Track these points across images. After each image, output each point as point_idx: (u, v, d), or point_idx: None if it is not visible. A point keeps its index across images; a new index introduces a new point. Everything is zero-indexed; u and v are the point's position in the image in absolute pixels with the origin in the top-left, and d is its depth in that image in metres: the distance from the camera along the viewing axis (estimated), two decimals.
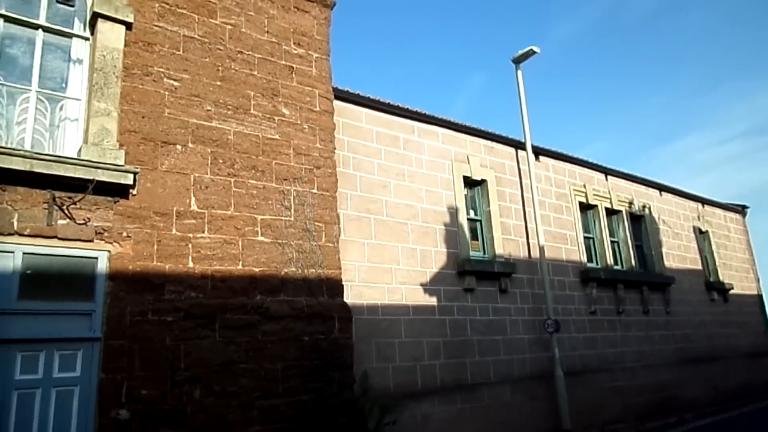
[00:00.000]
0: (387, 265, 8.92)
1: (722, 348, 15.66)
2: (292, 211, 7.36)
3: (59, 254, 5.57)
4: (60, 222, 5.61)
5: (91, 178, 5.68)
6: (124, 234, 5.98)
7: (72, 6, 6.41)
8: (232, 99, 7.17)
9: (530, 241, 11.32)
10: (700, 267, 16.09)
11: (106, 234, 5.87)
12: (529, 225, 11.40)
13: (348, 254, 8.45)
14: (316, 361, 6.96)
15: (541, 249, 11.01)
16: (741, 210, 19.08)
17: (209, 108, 6.95)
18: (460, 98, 53.15)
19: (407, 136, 9.92)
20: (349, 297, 8.23)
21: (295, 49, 8.02)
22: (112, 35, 6.37)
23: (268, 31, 7.79)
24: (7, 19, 5.99)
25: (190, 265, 6.34)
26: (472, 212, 10.83)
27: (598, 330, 12.09)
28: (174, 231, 6.31)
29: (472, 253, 10.31)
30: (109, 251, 5.84)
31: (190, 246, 6.39)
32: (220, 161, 6.88)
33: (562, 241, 12.10)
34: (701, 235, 16.74)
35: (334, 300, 7.40)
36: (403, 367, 8.60)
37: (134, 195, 6.14)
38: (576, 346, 11.47)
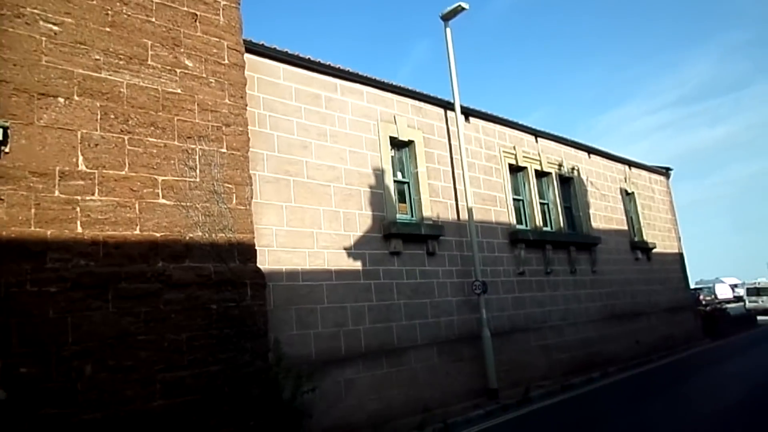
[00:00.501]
0: (308, 229, 8.55)
1: (645, 304, 16.33)
2: (198, 171, 6.83)
3: None
4: None
5: None
6: None
7: None
8: (125, 48, 6.49)
9: (459, 203, 11.19)
10: (625, 227, 16.58)
11: None
12: (458, 187, 11.26)
13: (265, 218, 8.02)
14: (226, 330, 6.57)
15: (470, 211, 10.91)
16: (665, 172, 19.77)
17: (98, 57, 6.26)
18: (403, 67, 52.29)
19: (329, 94, 9.45)
20: (267, 263, 7.85)
21: None
22: None
23: None
24: None
25: (79, 230, 5.75)
26: (399, 174, 10.56)
27: (527, 290, 12.23)
28: (57, 193, 5.69)
29: (399, 216, 10.09)
30: None
31: (78, 210, 5.78)
32: (112, 116, 6.24)
33: (492, 203, 12.06)
34: (627, 196, 17.23)
35: (246, 266, 6.98)
36: (325, 333, 8.34)
37: (6, 153, 5.46)
38: (504, 307, 11.57)
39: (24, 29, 5.80)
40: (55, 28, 6.01)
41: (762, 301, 29.79)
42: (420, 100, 11.05)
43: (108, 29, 6.40)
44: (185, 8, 7.16)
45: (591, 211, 15.12)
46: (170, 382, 5.99)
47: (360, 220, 9.32)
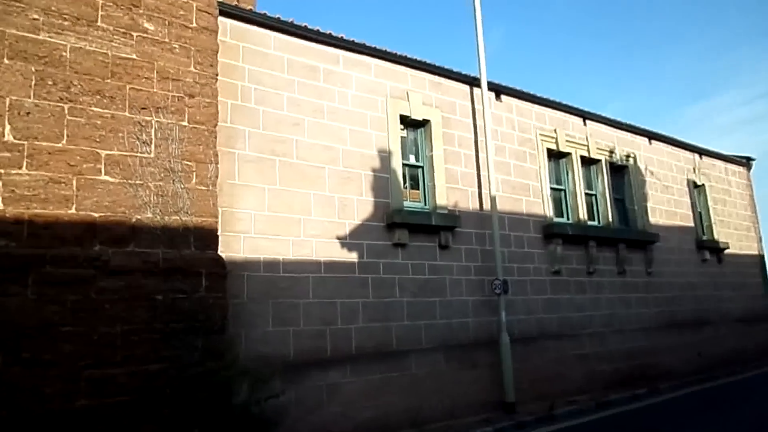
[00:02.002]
0: (294, 215, 7.69)
1: (712, 312, 14.30)
2: (153, 146, 6.12)
3: None
4: None
5: None
6: None
7: None
8: (71, 7, 5.86)
9: (482, 191, 9.96)
10: (692, 224, 14.57)
11: None
12: (482, 173, 10.02)
13: (243, 201, 7.25)
14: (172, 325, 5.83)
15: (493, 200, 9.66)
16: (746, 162, 17.35)
17: (36, 17, 5.65)
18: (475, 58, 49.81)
19: (329, 66, 8.52)
20: (242, 251, 7.09)
21: None
22: None
23: None
24: None
25: (0, 206, 5.17)
26: (412, 157, 9.48)
27: (562, 292, 10.80)
28: None
29: (407, 203, 9.03)
30: None
31: (0, 184, 5.21)
32: (50, 83, 5.62)
33: (524, 192, 10.71)
34: (696, 189, 15.16)
35: (203, 253, 6.22)
36: (308, 331, 7.47)
37: None
38: (533, 310, 10.23)
39: None
40: None
41: None
42: (440, 75, 9.88)
43: None
44: None
45: (649, 205, 13.32)
46: (98, 380, 5.32)
47: (359, 207, 8.35)
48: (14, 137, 5.35)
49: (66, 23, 5.80)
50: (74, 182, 5.58)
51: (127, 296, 5.62)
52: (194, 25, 6.66)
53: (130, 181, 5.89)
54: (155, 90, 6.24)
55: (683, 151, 15.14)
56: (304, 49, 8.29)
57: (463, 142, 9.93)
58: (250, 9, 7.77)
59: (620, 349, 11.48)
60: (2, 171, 5.24)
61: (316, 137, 8.12)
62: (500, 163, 10.33)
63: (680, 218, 14.28)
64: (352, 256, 8.13)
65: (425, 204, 9.34)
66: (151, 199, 5.99)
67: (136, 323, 5.62)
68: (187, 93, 6.46)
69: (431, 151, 9.44)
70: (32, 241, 5.26)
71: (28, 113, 5.46)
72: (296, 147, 7.89)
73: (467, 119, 10.13)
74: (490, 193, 9.71)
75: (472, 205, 9.79)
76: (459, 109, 10.05)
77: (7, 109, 5.36)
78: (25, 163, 5.36)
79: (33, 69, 5.55)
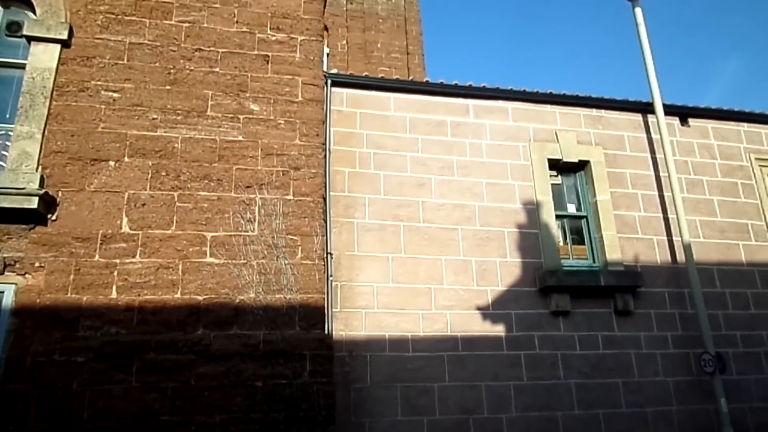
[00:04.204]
0: (423, 285, 6.85)
1: None
2: (256, 224, 6.01)
3: None
4: None
5: None
6: (37, 264, 5.37)
7: (21, 37, 6.26)
8: (183, 103, 6.25)
9: (673, 239, 7.86)
10: None
11: (17, 265, 5.34)
12: (669, 216, 7.96)
13: (363, 273, 6.71)
14: (272, 414, 5.35)
15: (688, 249, 7.51)
16: None
17: (155, 116, 6.13)
18: (711, 90, 43.57)
19: (458, 118, 7.77)
20: (364, 328, 6.47)
21: (272, 35, 6.81)
22: (44, 56, 6.02)
23: (237, 21, 6.75)
24: None
25: (114, 295, 5.43)
26: (571, 207, 7.98)
27: None
28: (97, 257, 5.51)
29: (568, 262, 7.50)
30: (16, 284, 5.27)
31: (115, 273, 5.50)
32: (163, 174, 5.94)
33: (739, 235, 8.19)
34: None
35: (308, 333, 5.73)
36: (445, 421, 6.35)
37: (54, 221, 5.54)
38: None
39: (86, 101, 6.01)
40: (115, 95, 6.10)
41: None
42: (597, 107, 8.35)
43: (168, 87, 6.27)
44: (255, 52, 6.68)
45: None
46: None
47: (502, 271, 7.15)
48: (130, 228, 5.69)
49: (179, 117, 6.18)
50: (180, 266, 5.67)
51: (225, 383, 5.35)
52: (299, 98, 6.61)
53: (233, 261, 5.80)
54: (260, 167, 6.22)
55: None
56: (427, 104, 7.73)
57: (638, 182, 8.07)
58: (366, 74, 7.56)
59: None
60: (118, 261, 5.55)
61: (445, 196, 7.31)
62: (696, 202, 8.12)
63: None
64: (498, 329, 6.88)
65: (593, 261, 7.66)
66: (254, 278, 5.80)
67: (234, 412, 5.28)
68: (292, 166, 6.32)
69: (594, 196, 7.83)
70: (140, 328, 5.38)
71: (143, 204, 5.79)
72: (422, 209, 7.17)
73: (641, 153, 8.28)
74: (683, 240, 7.59)
75: (659, 257, 7.75)
76: (628, 142, 8.29)
77: (125, 203, 5.76)
78: (138, 252, 5.63)
79: (149, 163, 5.94)
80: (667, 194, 8.01)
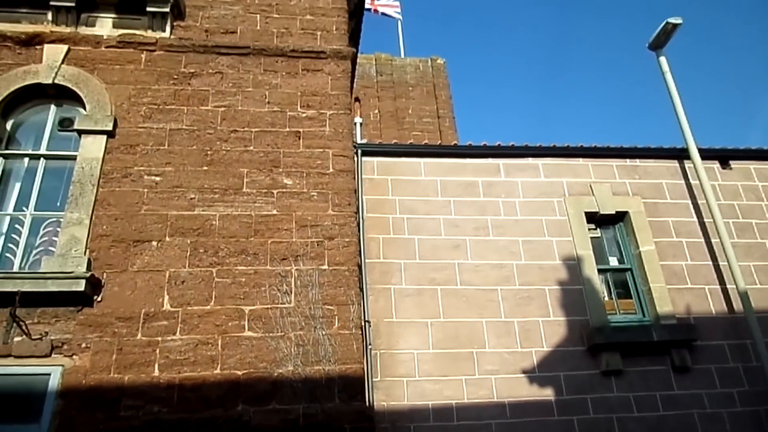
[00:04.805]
0: (464, 349, 6.69)
1: None
2: (293, 296, 6.05)
3: (10, 373, 5.34)
4: (16, 339, 5.45)
5: (41, 290, 5.48)
6: (83, 345, 5.52)
7: (73, 131, 6.74)
8: (220, 182, 6.51)
9: (727, 287, 7.47)
10: None
11: (65, 347, 5.50)
12: (719, 264, 7.61)
13: (402, 340, 6.61)
14: None
15: (745, 297, 7.11)
16: None
17: (192, 196, 6.39)
18: (752, 130, 42.54)
19: (489, 178, 7.80)
20: (406, 398, 6.31)
21: (303, 112, 7.11)
22: (93, 147, 6.45)
23: (269, 102, 7.10)
24: (8, 156, 6.56)
25: (155, 373, 5.49)
26: (613, 260, 7.74)
27: None
28: (139, 336, 5.63)
29: (616, 317, 7.21)
30: (63, 366, 5.41)
31: (157, 351, 5.59)
32: (201, 251, 6.12)
33: None
34: None
35: (348, 405, 5.60)
36: None
37: (99, 302, 5.73)
38: None
39: (129, 186, 6.34)
40: (157, 178, 6.42)
41: None
42: (631, 156, 8.25)
43: (205, 168, 6.57)
44: (287, 129, 6.97)
45: None
46: None
47: (546, 331, 6.92)
48: (171, 306, 5.82)
49: (216, 196, 6.43)
50: (219, 341, 5.72)
51: None
52: (331, 170, 6.80)
53: (271, 334, 5.82)
54: (294, 239, 6.33)
55: None
56: (457, 167, 7.81)
57: (682, 229, 7.80)
58: (395, 142, 7.76)
59: None
60: (159, 339, 5.65)
61: (481, 257, 7.23)
62: (748, 247, 7.76)
63: None
64: (546, 393, 6.57)
65: (643, 315, 7.32)
66: (292, 350, 5.77)
67: None
68: (326, 236, 6.41)
69: (637, 247, 7.59)
70: (181, 405, 5.38)
71: (183, 282, 5.94)
72: (459, 271, 7.10)
73: (682, 200, 8.05)
74: (738, 288, 7.21)
75: (713, 308, 7.35)
76: (668, 190, 8.10)
77: (166, 281, 5.93)
78: (178, 329, 5.72)
79: (188, 241, 6.15)
80: (714, 240, 7.69)
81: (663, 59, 8.64)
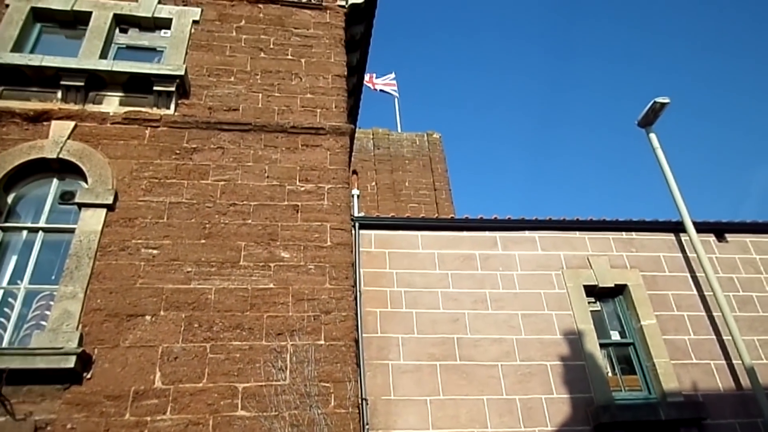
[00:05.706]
0: (465, 429, 6.43)
1: None
2: (288, 372, 5.89)
3: None
4: (0, 419, 5.23)
5: (29, 367, 5.33)
6: (69, 426, 5.29)
7: (74, 204, 6.79)
8: (217, 255, 6.50)
9: (732, 362, 7.31)
10: None
11: (48, 428, 5.26)
12: (723, 338, 7.48)
13: (401, 419, 6.37)
14: None
15: (751, 372, 6.94)
16: None
17: (189, 269, 6.36)
18: (746, 200, 43.32)
19: (486, 251, 7.81)
20: None
21: (301, 186, 7.22)
22: (92, 220, 6.48)
23: (268, 176, 7.23)
24: (6, 229, 6.57)
25: None
26: (615, 334, 7.62)
27: None
28: (128, 416, 5.41)
29: (620, 395, 6.99)
30: None
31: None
32: (196, 326, 6.01)
33: None
34: None
35: None
36: None
37: (88, 379, 5.56)
38: None
39: (126, 259, 6.32)
40: (154, 251, 6.41)
41: None
42: (626, 230, 8.32)
43: (203, 241, 6.57)
44: (285, 203, 7.04)
45: None
46: None
47: (549, 409, 6.69)
48: (162, 383, 5.64)
49: (213, 269, 6.40)
50: (211, 421, 5.49)
51: None
52: (328, 243, 6.81)
53: (264, 414, 5.60)
54: (291, 313, 6.24)
55: None
56: (455, 240, 7.84)
57: (683, 303, 7.74)
58: (392, 215, 7.82)
59: None
60: (149, 419, 5.43)
61: (481, 331, 7.11)
62: (751, 320, 7.67)
63: None
64: None
65: (649, 392, 7.12)
66: (286, 431, 5.54)
67: None
68: (323, 310, 6.32)
69: (639, 321, 7.49)
70: None
71: (176, 358, 5.79)
72: (458, 346, 6.96)
73: (681, 273, 8.04)
74: (744, 363, 7.05)
75: (720, 384, 7.16)
76: (665, 263, 8.10)
77: (159, 357, 5.78)
78: (169, 408, 5.51)
79: (183, 315, 6.05)
80: (716, 314, 7.61)
81: (653, 136, 8.90)
